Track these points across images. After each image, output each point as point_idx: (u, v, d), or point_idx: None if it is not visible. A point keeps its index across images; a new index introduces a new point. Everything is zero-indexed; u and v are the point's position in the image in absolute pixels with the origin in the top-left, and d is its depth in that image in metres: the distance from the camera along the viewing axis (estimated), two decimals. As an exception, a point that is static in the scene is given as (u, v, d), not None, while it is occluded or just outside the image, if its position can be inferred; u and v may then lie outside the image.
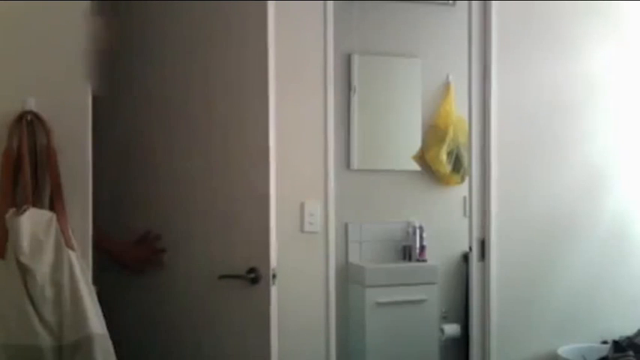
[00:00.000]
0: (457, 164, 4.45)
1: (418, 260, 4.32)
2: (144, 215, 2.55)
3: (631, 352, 3.02)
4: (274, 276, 2.38)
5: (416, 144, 4.48)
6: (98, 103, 2.07)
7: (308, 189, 2.91)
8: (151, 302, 2.51)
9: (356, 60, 4.32)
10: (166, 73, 2.55)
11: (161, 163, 2.55)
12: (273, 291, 2.37)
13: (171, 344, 2.49)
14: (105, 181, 2.21)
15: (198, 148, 2.48)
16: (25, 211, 1.92)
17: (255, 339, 2.37)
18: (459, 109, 4.34)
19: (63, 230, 1.95)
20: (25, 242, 1.89)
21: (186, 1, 2.52)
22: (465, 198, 3.81)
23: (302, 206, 2.93)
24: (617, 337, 3.17)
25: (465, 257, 3.98)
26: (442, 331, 4.29)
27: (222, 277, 2.37)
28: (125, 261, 2.52)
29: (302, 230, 2.89)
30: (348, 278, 4.23)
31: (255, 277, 2.35)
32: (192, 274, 2.47)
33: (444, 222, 4.40)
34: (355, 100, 4.33)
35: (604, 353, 3.09)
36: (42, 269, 1.90)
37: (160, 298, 2.50)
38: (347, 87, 4.31)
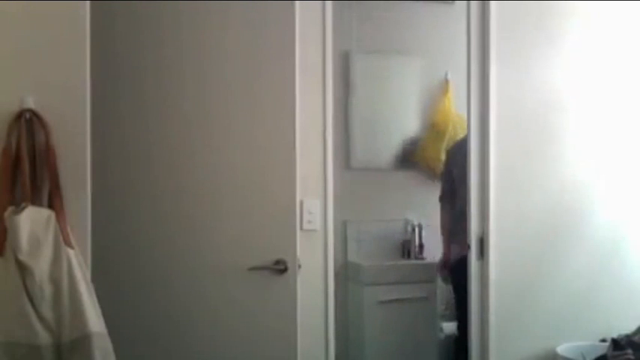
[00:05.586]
0: (456, 162, 4.45)
1: (417, 258, 4.33)
2: (176, 212, 2.63)
3: (630, 351, 3.02)
4: (299, 266, 2.63)
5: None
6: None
7: (307, 187, 2.91)
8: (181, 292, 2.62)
9: (355, 58, 4.32)
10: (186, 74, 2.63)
11: (194, 161, 2.63)
12: (298, 280, 2.62)
13: (204, 331, 2.63)
14: (135, 175, 2.43)
15: (234, 146, 2.63)
16: (23, 209, 1.92)
17: (283, 323, 2.60)
18: (457, 107, 4.33)
19: (61, 228, 1.95)
20: (24, 240, 1.89)
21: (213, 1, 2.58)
22: (463, 196, 3.81)
23: (301, 204, 2.93)
24: (616, 336, 3.17)
25: (464, 255, 3.98)
26: (441, 329, 4.29)
27: (252, 268, 2.56)
28: None
29: (301, 228, 2.89)
30: (348, 276, 4.23)
31: (283, 267, 2.58)
32: (222, 267, 2.62)
33: (443, 220, 4.39)
34: (354, 98, 4.33)
35: (603, 351, 3.09)
36: (40, 267, 1.90)
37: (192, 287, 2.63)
38: (346, 85, 4.31)
